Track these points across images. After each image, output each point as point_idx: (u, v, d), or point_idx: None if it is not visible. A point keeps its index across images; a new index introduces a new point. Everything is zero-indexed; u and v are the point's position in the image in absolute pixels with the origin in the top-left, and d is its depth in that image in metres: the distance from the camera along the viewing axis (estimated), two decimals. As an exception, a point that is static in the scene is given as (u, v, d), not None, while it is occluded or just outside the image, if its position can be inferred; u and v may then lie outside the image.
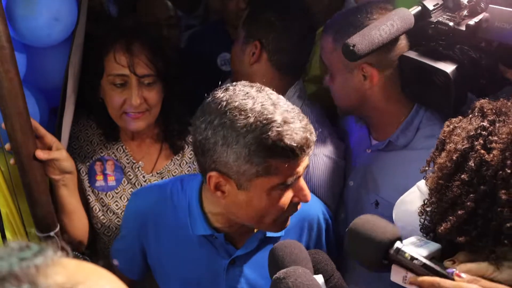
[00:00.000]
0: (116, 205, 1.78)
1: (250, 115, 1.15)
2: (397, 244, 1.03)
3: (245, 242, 1.40)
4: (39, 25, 1.44)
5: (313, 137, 1.20)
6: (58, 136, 1.56)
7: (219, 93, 1.21)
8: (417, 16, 1.40)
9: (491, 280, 0.96)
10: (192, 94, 1.51)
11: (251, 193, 1.21)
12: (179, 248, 1.42)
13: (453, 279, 0.97)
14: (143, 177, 1.80)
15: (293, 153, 1.16)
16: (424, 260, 1.00)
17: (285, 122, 1.15)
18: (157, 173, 1.81)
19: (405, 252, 1.02)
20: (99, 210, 1.77)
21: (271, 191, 1.21)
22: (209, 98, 1.23)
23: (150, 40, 1.68)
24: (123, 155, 1.82)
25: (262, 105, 1.16)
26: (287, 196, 1.24)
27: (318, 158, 1.70)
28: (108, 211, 1.77)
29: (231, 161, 1.17)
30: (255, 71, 1.75)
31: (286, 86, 1.79)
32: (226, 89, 1.22)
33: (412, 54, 1.47)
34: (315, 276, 1.08)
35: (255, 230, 1.40)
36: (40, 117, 1.51)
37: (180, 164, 1.84)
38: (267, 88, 1.24)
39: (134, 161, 1.81)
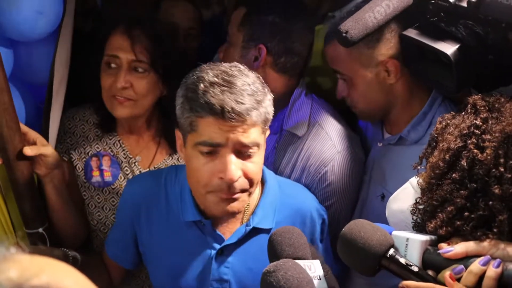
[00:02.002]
0: (113, 201, 1.76)
1: (195, 74, 1.25)
2: (391, 251, 1.03)
3: (234, 232, 1.38)
4: (22, 19, 1.43)
5: (239, 107, 1.19)
6: (46, 132, 1.55)
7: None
8: None
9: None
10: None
11: (187, 151, 1.28)
12: (169, 235, 1.42)
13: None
14: (140, 172, 1.77)
15: (202, 108, 1.19)
16: (417, 269, 1.00)
17: (212, 82, 1.20)
18: (154, 168, 1.78)
19: (399, 259, 1.02)
20: (95, 206, 1.75)
21: (196, 151, 1.25)
22: None
23: (151, 28, 1.65)
24: (120, 150, 1.79)
25: (222, 70, 1.24)
26: (205, 164, 1.25)
27: (342, 155, 1.65)
28: (104, 208, 1.75)
29: (178, 114, 1.27)
30: None
31: (291, 88, 1.72)
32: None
33: (412, 33, 1.40)
34: (313, 261, 1.08)
35: (245, 220, 1.39)
36: (26, 113, 1.49)
37: (178, 159, 1.80)
38: (243, 67, 1.28)
39: (131, 156, 1.78)
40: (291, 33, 1.64)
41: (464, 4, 1.24)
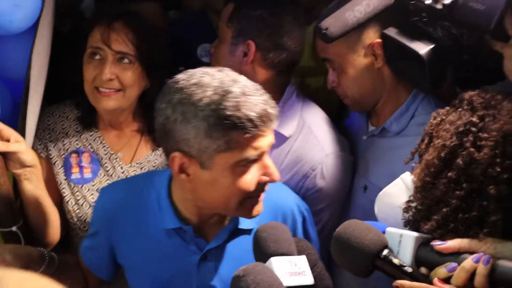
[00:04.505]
0: (92, 198, 1.73)
1: (207, 89, 1.15)
2: (385, 252, 1.03)
3: (216, 236, 1.36)
4: (-2, 12, 1.39)
5: (274, 111, 1.19)
6: (23, 128, 1.52)
7: (179, 75, 1.22)
8: None
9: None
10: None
11: (214, 171, 1.19)
12: (149, 245, 1.38)
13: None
14: (121, 168, 1.76)
15: (252, 124, 1.14)
16: (411, 269, 1.01)
17: (243, 93, 1.15)
18: (137, 163, 1.76)
19: (392, 260, 1.02)
20: (75, 203, 1.73)
21: (234, 168, 1.19)
22: (170, 81, 1.23)
23: (135, 21, 1.66)
24: (100, 146, 1.77)
25: (220, 80, 1.17)
26: (252, 174, 1.21)
27: (330, 158, 1.64)
28: (84, 205, 1.73)
29: (191, 137, 1.16)
30: (247, 72, 1.61)
31: (282, 85, 1.71)
32: (186, 71, 1.23)
33: (392, 32, 1.45)
34: (298, 257, 1.07)
35: (226, 222, 1.36)
36: (2, 109, 1.46)
37: (161, 155, 1.78)
38: (227, 69, 1.23)
39: (112, 152, 1.77)
40: (279, 28, 1.63)
41: (440, 6, 1.29)
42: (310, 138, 1.67)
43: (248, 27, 1.63)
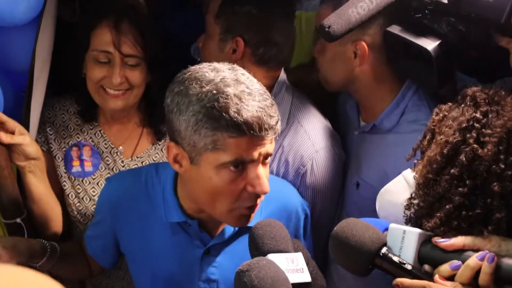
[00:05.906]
0: (93, 191, 1.73)
1: (205, 85, 1.13)
2: (384, 250, 1.02)
3: (220, 231, 1.35)
4: (1, 2, 1.38)
5: (272, 121, 1.13)
6: (26, 120, 1.51)
7: (193, 67, 1.21)
8: None
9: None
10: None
11: (201, 169, 1.17)
12: (152, 237, 1.38)
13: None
14: (122, 162, 1.75)
15: (239, 129, 1.10)
16: (410, 267, 1.00)
17: (237, 96, 1.11)
18: (137, 157, 1.76)
19: (392, 258, 1.01)
20: (75, 196, 1.72)
21: (220, 170, 1.15)
22: (182, 71, 1.22)
23: (140, 20, 1.64)
24: (101, 140, 1.76)
25: (222, 78, 1.14)
26: (239, 182, 1.17)
27: (320, 154, 1.64)
28: (84, 198, 1.72)
29: (182, 130, 1.15)
30: None
31: (271, 80, 1.69)
32: (201, 63, 1.22)
33: (396, 30, 1.43)
34: (295, 254, 1.06)
35: None
36: (5, 101, 1.45)
37: (162, 149, 1.78)
38: (241, 69, 1.19)
39: (113, 146, 1.76)
40: (268, 23, 1.61)
41: (445, 0, 1.26)
42: (300, 133, 1.66)
43: (237, 24, 1.60)
